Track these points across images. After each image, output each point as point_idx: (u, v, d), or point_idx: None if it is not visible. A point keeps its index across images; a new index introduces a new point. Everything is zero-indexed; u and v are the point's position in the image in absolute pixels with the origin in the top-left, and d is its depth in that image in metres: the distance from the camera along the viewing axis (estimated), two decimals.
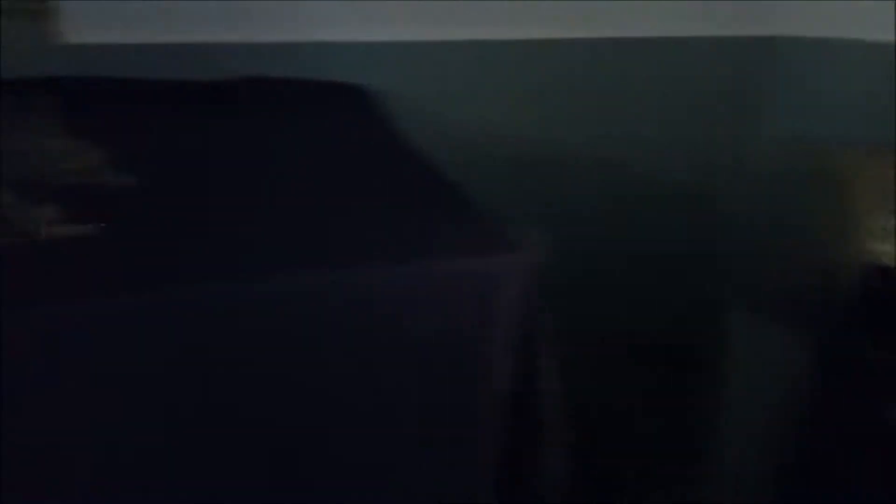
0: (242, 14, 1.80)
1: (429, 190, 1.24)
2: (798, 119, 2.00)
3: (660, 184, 1.95)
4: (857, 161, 1.60)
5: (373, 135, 1.48)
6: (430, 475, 1.05)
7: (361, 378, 0.98)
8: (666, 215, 1.98)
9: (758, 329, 1.76)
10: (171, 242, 1.01)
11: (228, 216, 1.08)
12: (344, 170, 1.27)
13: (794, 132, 1.98)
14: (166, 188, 1.14)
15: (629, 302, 1.80)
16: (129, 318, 0.92)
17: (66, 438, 0.93)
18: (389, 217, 1.11)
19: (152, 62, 1.69)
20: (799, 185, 1.84)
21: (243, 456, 0.98)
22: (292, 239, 1.03)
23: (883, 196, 1.49)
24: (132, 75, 1.59)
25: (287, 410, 0.98)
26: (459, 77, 1.88)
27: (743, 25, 2.02)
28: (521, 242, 1.06)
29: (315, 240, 1.03)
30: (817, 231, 1.66)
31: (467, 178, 1.31)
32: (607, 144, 1.93)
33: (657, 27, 1.97)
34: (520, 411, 1.05)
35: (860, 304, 1.44)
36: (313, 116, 1.51)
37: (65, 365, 0.91)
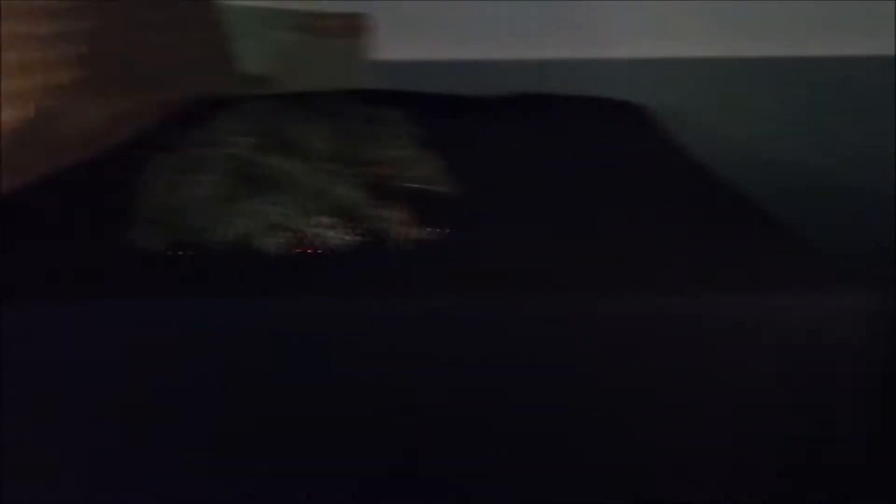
0: (528, 35, 1.85)
1: (740, 216, 1.21)
2: None
3: None
4: None
5: (668, 155, 1.47)
6: None
7: (694, 404, 0.97)
8: None
9: None
10: (494, 250, 1.06)
11: (550, 232, 1.11)
12: (652, 192, 1.26)
13: None
14: (485, 197, 1.20)
15: None
16: (464, 318, 0.96)
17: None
18: (709, 242, 1.10)
19: (448, 77, 1.78)
20: None
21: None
22: (604, 258, 1.04)
23: None
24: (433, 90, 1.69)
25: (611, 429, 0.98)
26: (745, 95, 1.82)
27: None
28: (859, 277, 1.01)
29: (633, 261, 1.03)
30: None
31: (772, 203, 1.26)
32: None
33: None
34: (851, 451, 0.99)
35: None
36: (606, 132, 1.53)
37: (394, 356, 0.96)
